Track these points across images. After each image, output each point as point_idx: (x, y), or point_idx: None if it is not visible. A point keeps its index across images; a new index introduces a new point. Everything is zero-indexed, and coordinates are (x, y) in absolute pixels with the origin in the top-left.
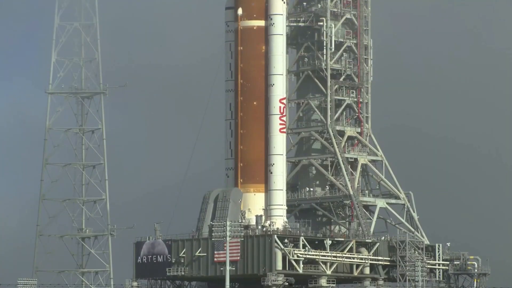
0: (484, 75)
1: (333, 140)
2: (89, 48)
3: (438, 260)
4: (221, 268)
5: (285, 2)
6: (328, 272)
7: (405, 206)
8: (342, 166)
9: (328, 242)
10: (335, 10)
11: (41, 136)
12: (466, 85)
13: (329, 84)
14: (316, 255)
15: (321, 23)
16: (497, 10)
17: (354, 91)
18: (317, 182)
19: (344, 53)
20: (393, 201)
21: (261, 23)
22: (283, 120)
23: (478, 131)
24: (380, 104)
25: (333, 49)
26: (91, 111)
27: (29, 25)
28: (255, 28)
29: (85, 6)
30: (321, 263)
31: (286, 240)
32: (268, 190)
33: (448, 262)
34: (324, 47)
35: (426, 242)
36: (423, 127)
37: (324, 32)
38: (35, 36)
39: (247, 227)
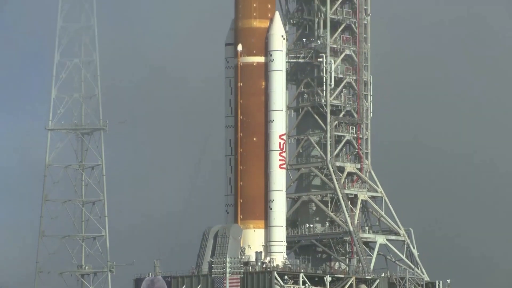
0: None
1: (333, 176)
2: (89, 84)
3: None
4: None
5: (285, 39)
6: None
7: (405, 242)
8: (342, 202)
9: (328, 278)
10: (335, 46)
11: (40, 172)
12: (469, 118)
13: (328, 120)
14: None
15: (321, 59)
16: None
17: (354, 127)
18: (317, 218)
19: (343, 89)
20: (393, 237)
21: (261, 59)
22: (283, 156)
23: (480, 168)
24: (380, 140)
25: (332, 85)
26: (91, 147)
27: (29, 61)
28: (255, 64)
29: (85, 43)
30: None
31: (286, 277)
32: (268, 226)
33: None
34: (324, 83)
35: (426, 278)
36: (423, 164)
37: (324, 68)
38: (35, 72)
39: (247, 263)
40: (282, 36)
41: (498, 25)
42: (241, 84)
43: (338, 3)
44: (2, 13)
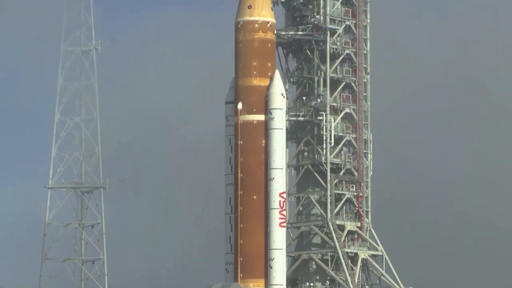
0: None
1: (333, 234)
2: (89, 142)
3: None
4: None
5: (285, 97)
6: None
7: None
8: (343, 261)
9: None
10: (335, 104)
11: (40, 231)
12: (470, 176)
13: (329, 178)
14: None
15: (321, 118)
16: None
17: (354, 185)
18: (318, 277)
19: (343, 147)
20: None
21: (261, 117)
22: (283, 214)
23: (481, 225)
24: (380, 198)
25: (332, 143)
26: (91, 205)
27: (29, 119)
28: (255, 122)
29: (85, 101)
30: None
31: None
32: (268, 285)
33: None
34: (324, 141)
35: None
36: (424, 222)
37: (324, 126)
38: (35, 130)
39: None
40: (282, 94)
41: (500, 87)
42: (241, 142)
43: (338, 61)
44: (2, 71)
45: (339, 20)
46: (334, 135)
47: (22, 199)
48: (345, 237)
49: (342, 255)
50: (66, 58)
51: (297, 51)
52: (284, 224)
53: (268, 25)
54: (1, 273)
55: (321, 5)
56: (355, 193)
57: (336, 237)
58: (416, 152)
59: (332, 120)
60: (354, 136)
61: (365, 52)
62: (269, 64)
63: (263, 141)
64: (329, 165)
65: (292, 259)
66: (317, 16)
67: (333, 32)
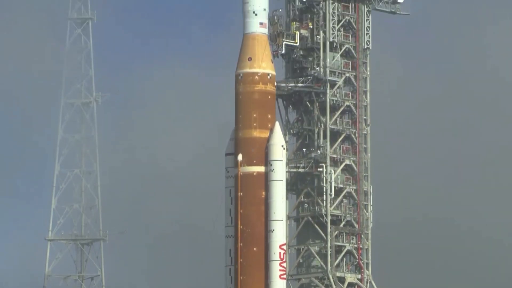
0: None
1: (334, 286)
2: (89, 194)
3: None
4: None
5: (285, 148)
6: None
7: None
8: None
9: None
10: (335, 156)
11: (40, 283)
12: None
13: (329, 230)
14: None
15: (321, 169)
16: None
17: (354, 237)
18: None
19: (344, 199)
20: None
21: (261, 169)
22: (283, 266)
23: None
24: (380, 251)
25: (333, 195)
26: (91, 257)
27: (29, 171)
28: (255, 174)
29: (86, 153)
30: None
31: None
32: None
33: None
34: (324, 193)
35: None
36: (424, 275)
37: (324, 178)
38: (35, 182)
39: None
40: (282, 146)
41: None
42: (241, 193)
43: (338, 113)
44: (2, 125)
45: (339, 72)
46: (334, 187)
47: (21, 251)
48: None
49: None
50: (66, 110)
51: (297, 103)
52: (284, 276)
53: (268, 77)
54: None
55: (321, 57)
56: (356, 245)
57: None
58: (416, 204)
59: (332, 171)
60: (354, 187)
61: (365, 104)
62: (269, 116)
63: (263, 193)
64: (329, 217)
65: None
66: (317, 68)
67: (333, 84)
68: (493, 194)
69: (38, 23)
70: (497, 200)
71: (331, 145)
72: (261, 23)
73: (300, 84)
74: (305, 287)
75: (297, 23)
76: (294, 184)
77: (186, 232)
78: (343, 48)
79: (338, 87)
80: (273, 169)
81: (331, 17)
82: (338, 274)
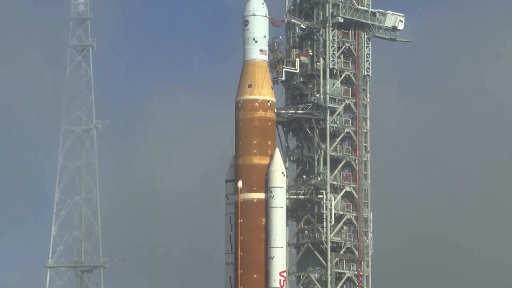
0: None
1: None
2: (89, 221)
3: None
4: None
5: (285, 175)
6: None
7: None
8: None
9: None
10: (335, 183)
11: None
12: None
13: (329, 257)
14: None
15: (321, 196)
16: None
17: (355, 264)
18: None
19: (344, 226)
20: None
21: (261, 195)
22: None
23: None
24: (380, 278)
25: (333, 222)
26: (91, 285)
27: (29, 198)
28: (255, 200)
29: (85, 180)
30: None
31: None
32: None
33: None
34: (324, 220)
35: None
36: None
37: (324, 205)
38: (35, 209)
39: None
40: (282, 172)
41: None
42: (241, 220)
43: (338, 140)
44: (2, 150)
45: (339, 99)
46: (334, 214)
47: (21, 278)
48: None
49: None
50: (66, 137)
51: (297, 130)
52: None
53: (268, 103)
54: None
55: (321, 84)
56: (356, 272)
57: None
58: (417, 231)
59: (332, 198)
60: (355, 214)
61: (365, 130)
62: (269, 143)
63: (263, 220)
64: (329, 244)
65: None
66: (317, 95)
67: (333, 111)
68: (493, 217)
69: (38, 50)
70: (498, 223)
71: (331, 171)
72: (261, 50)
73: (300, 111)
74: None
75: (297, 50)
76: (294, 211)
77: (186, 259)
78: (343, 75)
79: (338, 114)
80: (273, 196)
81: (331, 44)
82: None
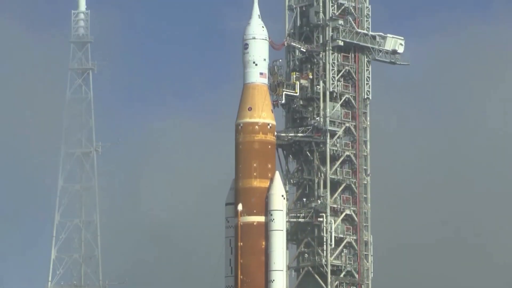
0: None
1: None
2: (89, 244)
3: None
4: None
5: (285, 198)
6: None
7: None
8: None
9: None
10: (335, 206)
11: None
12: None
13: (329, 280)
14: None
15: (321, 219)
16: None
17: (355, 287)
18: None
19: (344, 249)
20: None
21: (261, 218)
22: None
23: None
24: None
25: (333, 245)
26: None
27: (29, 222)
28: (255, 223)
29: (85, 203)
30: None
31: None
32: None
33: None
34: (324, 243)
35: None
36: None
37: (324, 228)
38: (35, 233)
39: None
40: (282, 195)
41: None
42: (241, 243)
43: (338, 163)
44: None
45: (339, 122)
46: (335, 237)
47: None
48: None
49: None
50: (66, 160)
51: (297, 153)
52: None
53: (268, 127)
54: None
55: (321, 107)
56: None
57: None
58: (417, 254)
59: (333, 221)
60: (355, 237)
61: (365, 153)
62: (269, 166)
63: (263, 243)
64: (329, 267)
65: None
66: (317, 118)
67: (333, 134)
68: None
69: (39, 73)
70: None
71: (331, 195)
72: (261, 73)
73: (300, 134)
74: None
75: (297, 73)
76: (294, 234)
77: (187, 282)
78: (343, 98)
79: (338, 137)
80: (273, 219)
81: (331, 67)
82: None
